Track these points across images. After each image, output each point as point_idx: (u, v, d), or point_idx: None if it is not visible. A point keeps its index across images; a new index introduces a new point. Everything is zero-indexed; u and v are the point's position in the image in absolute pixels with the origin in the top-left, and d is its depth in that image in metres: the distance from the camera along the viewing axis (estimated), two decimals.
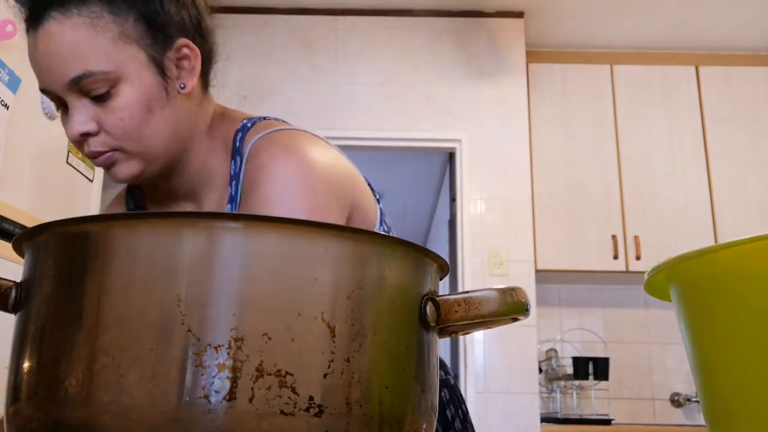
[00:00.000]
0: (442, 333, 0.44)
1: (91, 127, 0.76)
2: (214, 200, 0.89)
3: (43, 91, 0.78)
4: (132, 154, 0.79)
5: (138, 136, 0.78)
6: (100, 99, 0.76)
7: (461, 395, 0.98)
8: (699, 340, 0.40)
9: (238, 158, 0.86)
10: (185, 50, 0.82)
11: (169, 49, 0.80)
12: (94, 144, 0.77)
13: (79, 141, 0.78)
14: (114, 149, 0.78)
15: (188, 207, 0.90)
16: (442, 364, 0.95)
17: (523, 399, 3.02)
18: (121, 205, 0.98)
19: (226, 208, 0.85)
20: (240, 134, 0.87)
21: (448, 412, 0.94)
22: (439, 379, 0.89)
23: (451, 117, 3.35)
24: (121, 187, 1.03)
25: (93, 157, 0.79)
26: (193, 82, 0.83)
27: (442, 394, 0.94)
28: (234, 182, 0.85)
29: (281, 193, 0.78)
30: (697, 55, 3.67)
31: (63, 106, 0.79)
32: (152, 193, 0.96)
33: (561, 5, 3.38)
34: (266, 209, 0.77)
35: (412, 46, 3.45)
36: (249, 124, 0.89)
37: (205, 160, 0.88)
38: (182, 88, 0.82)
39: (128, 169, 0.80)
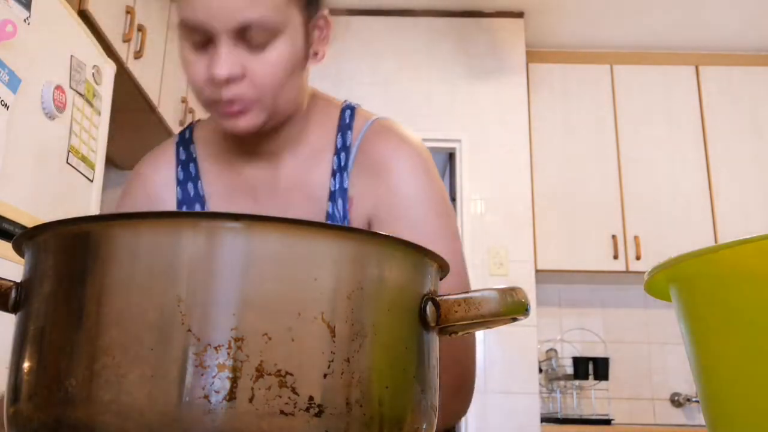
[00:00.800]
0: (442, 333, 0.44)
1: (238, 71, 0.77)
2: (299, 162, 0.91)
3: (189, 25, 0.77)
4: (263, 108, 0.81)
5: (277, 93, 0.80)
6: (256, 48, 0.77)
7: None
8: (699, 340, 0.40)
9: (349, 133, 0.91)
10: (322, 21, 0.86)
11: (314, 17, 0.84)
12: (234, 89, 0.78)
13: (218, 84, 0.78)
14: (249, 99, 0.79)
15: (261, 164, 0.92)
16: None
17: (523, 399, 3.02)
18: (169, 157, 0.98)
19: (331, 179, 0.89)
20: (348, 111, 0.93)
21: None
22: None
23: (451, 117, 3.35)
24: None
25: (225, 103, 0.79)
26: (324, 51, 0.87)
27: None
28: (343, 154, 0.90)
29: (417, 194, 0.86)
30: (697, 55, 3.67)
31: (200, 45, 0.78)
32: (214, 148, 0.96)
33: (561, 5, 3.38)
34: (403, 205, 0.85)
35: (412, 46, 3.45)
36: (353, 105, 0.95)
37: (302, 127, 0.91)
38: (315, 56, 0.87)
39: (251, 121, 0.81)
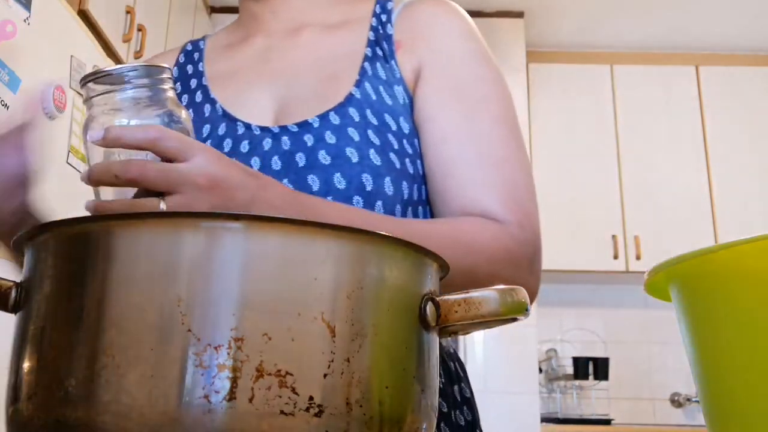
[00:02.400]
0: (442, 333, 0.44)
1: None
2: (325, 30, 0.86)
3: None
4: None
5: None
6: None
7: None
8: (699, 340, 0.40)
9: (386, 3, 0.86)
10: None
11: None
12: None
13: None
14: None
15: (276, 39, 0.87)
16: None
17: (523, 399, 3.02)
18: (175, 50, 0.93)
19: (369, 35, 0.83)
20: None
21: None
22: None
23: None
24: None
25: None
26: None
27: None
28: (383, 16, 0.84)
29: (466, 54, 0.80)
30: (697, 55, 3.67)
31: None
32: (224, 38, 0.92)
33: (561, 5, 3.38)
34: (451, 65, 0.79)
35: None
36: None
37: None
38: None
39: None
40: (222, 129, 0.78)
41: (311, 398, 0.35)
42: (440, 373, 0.79)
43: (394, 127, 0.76)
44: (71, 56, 1.68)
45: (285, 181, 0.72)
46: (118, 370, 0.34)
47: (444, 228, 0.70)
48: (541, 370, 3.46)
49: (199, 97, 0.84)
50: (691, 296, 0.40)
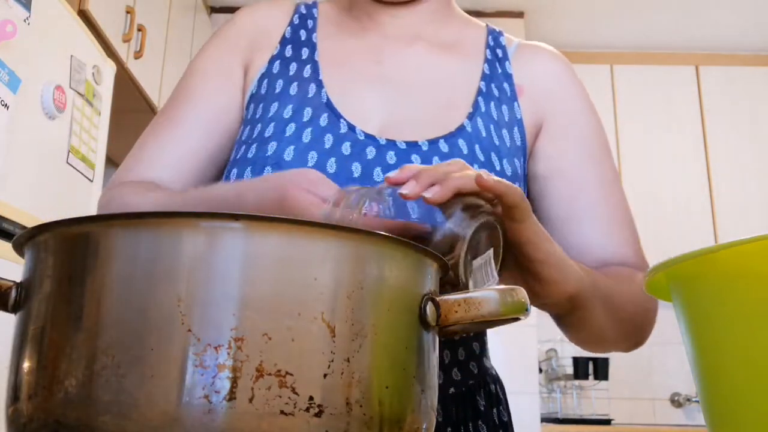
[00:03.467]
0: (442, 333, 0.44)
1: None
2: (439, 43, 0.86)
3: None
4: None
5: None
6: None
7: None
8: (699, 340, 0.40)
9: (501, 38, 0.90)
10: None
11: None
12: None
13: None
14: None
15: (390, 40, 0.85)
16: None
17: (523, 399, 3.01)
18: (288, 6, 0.90)
19: (484, 64, 0.85)
20: (490, 27, 0.92)
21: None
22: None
23: None
24: None
25: None
26: None
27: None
28: (498, 50, 0.87)
29: (591, 120, 0.88)
30: (697, 55, 3.67)
31: None
32: (337, 17, 0.90)
33: (561, 5, 3.38)
34: (579, 126, 0.86)
35: None
36: None
37: (446, 11, 0.90)
38: None
39: None
40: (324, 120, 0.76)
41: (311, 398, 0.35)
42: (481, 395, 0.80)
43: (497, 167, 0.77)
44: (71, 56, 1.68)
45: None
46: (118, 370, 0.34)
47: (624, 283, 0.75)
48: (541, 370, 3.45)
49: (307, 71, 0.81)
50: (691, 296, 0.40)
